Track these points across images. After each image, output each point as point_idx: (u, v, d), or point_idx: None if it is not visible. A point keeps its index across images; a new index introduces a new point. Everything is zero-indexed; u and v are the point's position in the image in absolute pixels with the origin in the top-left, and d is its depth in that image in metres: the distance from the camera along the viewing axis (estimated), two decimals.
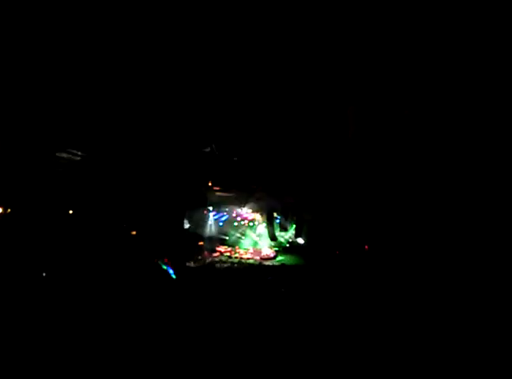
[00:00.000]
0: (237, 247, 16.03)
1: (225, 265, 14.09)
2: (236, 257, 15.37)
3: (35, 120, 11.19)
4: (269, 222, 15.41)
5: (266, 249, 15.72)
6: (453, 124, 10.04)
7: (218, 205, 15.85)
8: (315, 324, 7.54)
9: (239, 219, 16.39)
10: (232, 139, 13.14)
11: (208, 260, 14.71)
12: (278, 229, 15.65)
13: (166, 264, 11.68)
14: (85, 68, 10.65)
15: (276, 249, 15.78)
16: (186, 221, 15.13)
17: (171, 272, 11.40)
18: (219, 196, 15.45)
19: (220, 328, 7.23)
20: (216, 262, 14.67)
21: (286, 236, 15.90)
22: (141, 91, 11.60)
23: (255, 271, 13.11)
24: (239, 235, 16.43)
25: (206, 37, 10.03)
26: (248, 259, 15.22)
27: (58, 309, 7.55)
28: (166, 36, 10.28)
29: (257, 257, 15.29)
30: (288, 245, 15.93)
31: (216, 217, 16.21)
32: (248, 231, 16.45)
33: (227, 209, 16.18)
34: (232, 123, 12.68)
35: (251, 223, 16.48)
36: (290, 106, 11.89)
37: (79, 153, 12.29)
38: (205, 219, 15.91)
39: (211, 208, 15.87)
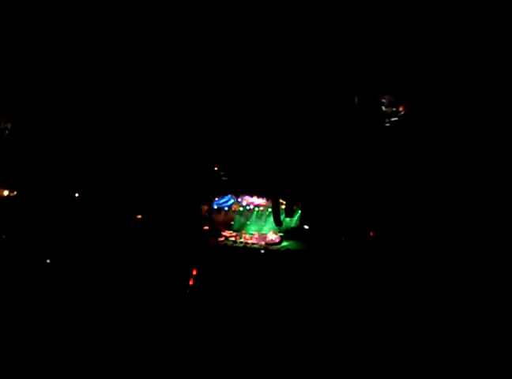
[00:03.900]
0: (242, 232, 16.06)
1: (230, 250, 14.18)
2: (241, 242, 15.43)
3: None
4: (275, 207, 15.36)
5: (271, 234, 15.72)
6: (458, 108, 9.89)
7: (224, 190, 15.83)
8: (318, 312, 7.56)
9: (244, 203, 16.38)
10: (239, 123, 13.03)
11: (214, 244, 14.80)
12: (283, 214, 15.62)
13: None
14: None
15: (282, 234, 15.78)
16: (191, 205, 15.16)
17: None
18: (225, 181, 15.42)
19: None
20: (221, 247, 14.77)
21: (291, 222, 15.87)
22: (148, 84, 11.61)
23: (260, 256, 13.16)
24: (244, 220, 16.45)
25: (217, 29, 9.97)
26: (253, 244, 15.27)
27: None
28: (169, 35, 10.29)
29: (263, 243, 15.32)
30: (293, 230, 15.91)
31: (221, 202, 16.22)
32: (253, 216, 16.47)
33: (232, 194, 16.17)
34: (239, 107, 12.57)
35: (257, 208, 16.47)
36: (297, 92, 11.74)
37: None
38: (210, 203, 15.93)
39: (217, 193, 15.86)
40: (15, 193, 11.41)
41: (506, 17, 7.99)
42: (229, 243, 15.33)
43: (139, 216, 13.19)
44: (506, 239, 8.98)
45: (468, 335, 6.44)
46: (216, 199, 16.01)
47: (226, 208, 16.33)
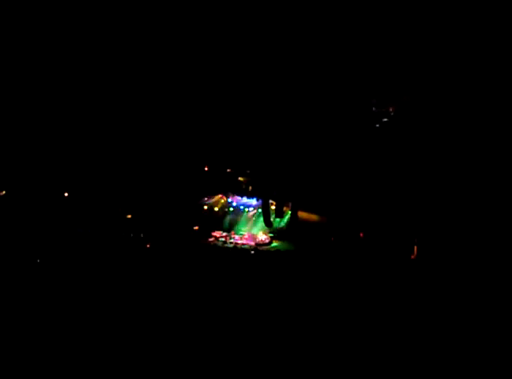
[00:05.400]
0: (232, 232, 16.04)
1: (220, 250, 14.16)
2: (231, 242, 15.41)
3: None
4: (265, 208, 15.38)
5: (261, 234, 15.74)
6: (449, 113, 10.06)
7: (215, 190, 15.80)
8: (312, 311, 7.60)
9: (234, 204, 16.38)
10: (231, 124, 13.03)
11: (204, 244, 14.76)
12: (273, 215, 15.63)
13: None
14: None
15: (271, 235, 15.80)
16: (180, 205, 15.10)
17: None
18: (215, 180, 15.38)
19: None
20: (211, 246, 14.74)
21: (281, 222, 15.90)
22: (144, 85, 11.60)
23: (250, 257, 13.17)
24: (234, 220, 16.44)
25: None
26: (243, 244, 15.27)
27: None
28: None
29: (252, 243, 15.31)
30: (282, 231, 15.95)
31: (211, 202, 16.18)
32: (244, 217, 16.46)
33: (223, 194, 16.15)
34: (230, 108, 12.58)
35: (247, 209, 16.47)
36: (287, 96, 11.81)
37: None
38: (200, 203, 15.89)
39: (207, 193, 15.82)
40: (3, 192, 11.25)
41: (494, 19, 8.18)
42: (219, 243, 15.30)
43: (129, 216, 13.11)
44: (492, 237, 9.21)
45: (453, 329, 6.55)
46: (207, 198, 15.94)
47: (216, 208, 16.28)
